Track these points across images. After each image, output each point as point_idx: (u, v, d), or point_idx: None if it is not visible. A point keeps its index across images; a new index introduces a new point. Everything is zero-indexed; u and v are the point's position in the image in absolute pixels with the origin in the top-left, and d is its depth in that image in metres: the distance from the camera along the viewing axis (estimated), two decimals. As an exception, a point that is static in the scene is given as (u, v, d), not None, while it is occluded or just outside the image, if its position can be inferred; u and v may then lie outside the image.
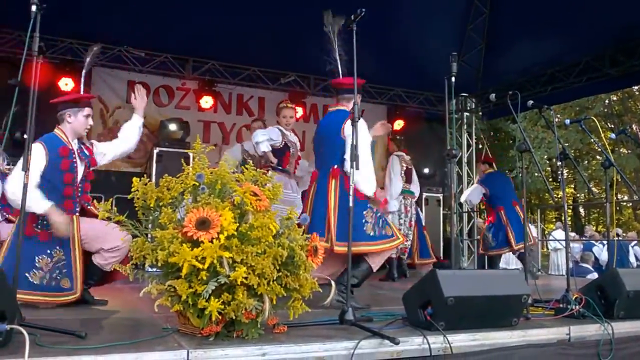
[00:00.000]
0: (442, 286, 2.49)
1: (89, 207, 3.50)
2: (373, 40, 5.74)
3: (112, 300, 3.61)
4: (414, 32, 7.49)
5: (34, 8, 2.45)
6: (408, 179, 6.44)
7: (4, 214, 4.29)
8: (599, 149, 4.67)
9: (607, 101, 18.84)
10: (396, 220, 6.21)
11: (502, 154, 17.75)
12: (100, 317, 3.08)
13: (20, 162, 3.05)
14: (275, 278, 2.24)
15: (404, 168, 6.37)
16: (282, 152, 5.10)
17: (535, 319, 2.99)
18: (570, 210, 21.98)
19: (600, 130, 5.35)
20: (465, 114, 9.67)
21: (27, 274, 3.22)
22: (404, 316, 2.79)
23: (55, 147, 3.40)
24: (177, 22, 6.67)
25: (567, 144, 15.85)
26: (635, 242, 11.18)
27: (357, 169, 2.86)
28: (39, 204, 3.18)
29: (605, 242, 9.96)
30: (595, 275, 7.86)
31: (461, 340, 2.49)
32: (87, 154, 3.59)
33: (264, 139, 4.97)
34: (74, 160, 3.47)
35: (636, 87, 17.23)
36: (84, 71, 3.77)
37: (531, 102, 3.63)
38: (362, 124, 3.43)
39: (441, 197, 8.78)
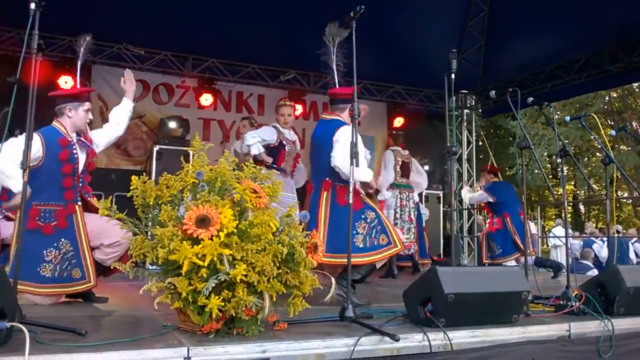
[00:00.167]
0: (442, 283, 2.49)
1: (89, 198, 3.51)
2: (373, 37, 5.74)
3: (112, 298, 3.61)
4: (413, 29, 7.49)
5: (32, 6, 2.44)
6: (404, 173, 6.43)
7: (4, 211, 4.28)
8: (599, 146, 4.67)
9: (607, 98, 18.85)
10: (392, 214, 6.21)
11: (502, 151, 17.77)
12: (101, 315, 3.09)
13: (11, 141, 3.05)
14: (275, 275, 2.24)
15: (399, 162, 6.38)
16: (277, 150, 5.07)
17: (535, 316, 2.99)
18: (570, 207, 21.99)
19: (600, 127, 5.32)
20: (465, 111, 9.66)
21: (38, 269, 3.26)
22: (404, 313, 2.79)
23: (54, 138, 3.41)
24: (176, 19, 6.66)
25: (567, 141, 15.86)
26: (636, 238, 11.18)
27: (357, 166, 2.87)
28: (17, 182, 3.12)
29: (605, 239, 9.96)
30: (595, 272, 7.86)
31: (461, 337, 2.49)
32: (87, 144, 3.60)
33: (254, 141, 4.95)
34: (74, 151, 3.48)
35: (636, 84, 17.22)
36: (79, 63, 3.77)
37: (531, 99, 3.62)
38: (349, 134, 3.46)
39: (441, 195, 8.78)
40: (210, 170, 2.41)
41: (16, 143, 3.07)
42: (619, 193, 18.86)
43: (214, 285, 2.12)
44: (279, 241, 2.28)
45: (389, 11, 6.73)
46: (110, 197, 2.48)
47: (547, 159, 18.43)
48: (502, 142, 19.15)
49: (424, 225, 7.07)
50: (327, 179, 3.63)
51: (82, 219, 3.45)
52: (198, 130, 7.05)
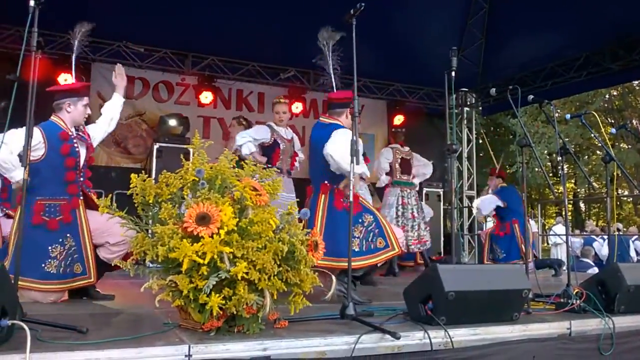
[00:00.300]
0: (442, 281, 2.49)
1: (90, 193, 3.52)
2: (373, 35, 5.73)
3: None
4: (413, 27, 7.48)
5: (32, 3, 2.44)
6: (405, 170, 6.41)
7: (4, 208, 4.28)
8: (600, 144, 4.67)
9: (607, 96, 18.83)
10: (393, 212, 6.20)
11: (502, 149, 17.74)
12: (101, 313, 3.09)
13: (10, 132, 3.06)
14: (276, 273, 2.24)
15: (398, 160, 6.37)
16: (272, 149, 5.04)
17: (536, 314, 2.99)
18: (570, 205, 21.98)
19: (601, 125, 5.31)
20: (466, 109, 9.66)
21: (42, 264, 3.26)
22: (405, 311, 2.79)
23: (54, 132, 3.41)
24: (176, 17, 6.65)
25: (567, 139, 15.84)
26: (636, 236, 11.18)
27: (357, 163, 2.87)
28: (17, 173, 3.17)
29: (605, 236, 9.96)
30: (595, 270, 7.85)
31: (462, 334, 2.49)
32: (86, 138, 3.61)
33: (244, 141, 4.92)
34: (75, 144, 3.49)
35: (636, 82, 17.19)
36: (74, 55, 3.76)
37: (531, 96, 3.62)
38: (346, 132, 3.49)
39: (441, 192, 8.77)
40: (211, 168, 2.40)
41: (17, 133, 3.07)
42: (620, 191, 18.86)
43: (214, 283, 2.11)
44: (279, 239, 2.28)
45: (388, 9, 6.72)
46: (110, 195, 2.48)
47: (548, 157, 18.41)
48: (502, 140, 19.13)
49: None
50: (326, 182, 3.64)
51: (84, 213, 3.46)
52: (198, 128, 7.05)
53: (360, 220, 3.57)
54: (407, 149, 6.55)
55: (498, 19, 7.89)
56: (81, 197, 3.49)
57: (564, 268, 6.28)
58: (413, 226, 6.26)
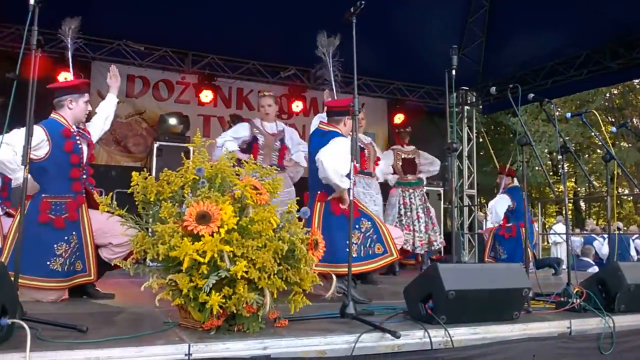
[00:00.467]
0: (443, 280, 2.49)
1: (92, 190, 3.52)
2: (373, 33, 5.72)
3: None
4: (414, 25, 7.47)
5: (32, 1, 2.44)
6: (408, 170, 6.39)
7: (4, 207, 4.28)
8: (600, 143, 4.66)
9: (607, 94, 18.82)
10: (395, 213, 6.18)
11: (502, 148, 17.73)
12: (101, 312, 3.09)
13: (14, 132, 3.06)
14: (276, 272, 2.24)
15: (400, 161, 6.35)
16: (250, 145, 4.98)
17: (536, 313, 2.99)
18: (571, 204, 21.98)
19: (601, 123, 5.33)
20: (466, 107, 9.65)
21: (48, 262, 3.26)
22: (405, 310, 2.79)
23: (57, 130, 3.42)
24: (176, 16, 6.65)
25: (567, 138, 15.83)
26: (636, 235, 11.19)
27: (358, 163, 2.87)
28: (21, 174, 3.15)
29: (606, 235, 9.97)
30: (596, 269, 7.86)
31: (462, 333, 2.49)
32: (87, 135, 3.62)
33: (223, 141, 4.89)
34: (78, 141, 3.50)
35: (637, 81, 17.19)
36: (69, 53, 3.77)
37: (532, 95, 3.61)
38: (343, 140, 3.50)
39: (442, 191, 8.76)
40: (211, 166, 2.40)
41: (19, 133, 3.07)
42: (620, 190, 18.85)
43: (214, 281, 2.11)
44: (279, 238, 2.28)
45: (389, 7, 6.70)
46: (111, 193, 2.48)
47: (548, 155, 18.42)
48: (502, 139, 19.13)
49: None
50: (323, 191, 3.63)
51: (87, 211, 3.47)
52: (198, 127, 7.01)
53: (357, 226, 3.57)
54: (410, 148, 6.50)
55: (499, 17, 7.88)
56: (84, 195, 3.50)
57: (564, 267, 6.27)
58: (420, 227, 6.19)
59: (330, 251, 3.23)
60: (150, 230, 2.32)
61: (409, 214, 6.22)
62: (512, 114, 15.84)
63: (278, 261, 2.26)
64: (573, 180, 21.93)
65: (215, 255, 2.12)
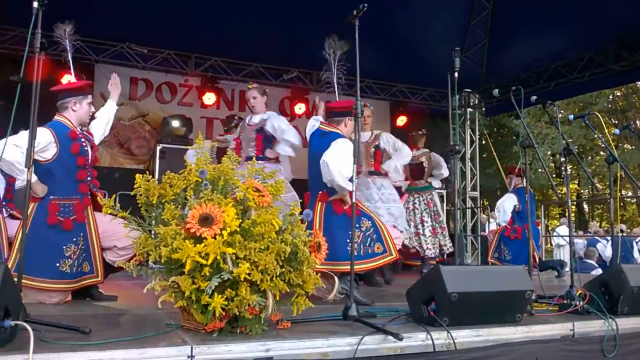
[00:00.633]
0: (445, 282, 2.49)
1: (97, 192, 3.53)
2: (376, 36, 5.73)
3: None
4: (416, 27, 7.47)
5: (35, 4, 2.45)
6: (415, 175, 6.37)
7: (8, 209, 4.29)
8: (603, 145, 4.65)
9: (610, 97, 18.77)
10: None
11: (505, 150, 17.71)
12: (104, 313, 3.09)
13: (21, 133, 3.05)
14: (278, 274, 2.24)
15: (407, 167, 6.31)
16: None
17: (539, 315, 2.99)
18: (574, 206, 21.92)
19: (604, 125, 5.32)
20: (469, 109, 9.64)
21: (57, 264, 3.28)
22: (407, 312, 2.79)
23: (64, 132, 3.44)
24: (179, 18, 6.66)
25: (570, 140, 15.79)
26: (640, 237, 11.14)
27: (360, 164, 2.88)
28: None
29: (609, 238, 9.92)
30: (599, 272, 7.82)
31: (465, 336, 2.49)
32: (90, 137, 3.65)
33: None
34: (83, 143, 3.53)
35: (640, 83, 17.14)
36: (69, 56, 3.79)
37: (535, 97, 3.61)
38: (345, 142, 3.51)
39: (444, 193, 8.75)
40: (213, 169, 2.41)
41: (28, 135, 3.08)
42: (623, 192, 18.79)
43: (217, 284, 2.12)
44: (282, 240, 2.28)
45: (391, 9, 6.71)
46: (114, 195, 2.49)
47: (551, 157, 18.39)
48: (505, 141, 19.10)
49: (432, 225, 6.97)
50: (325, 191, 3.65)
51: (92, 213, 3.49)
52: (201, 129, 7.05)
53: (357, 225, 3.57)
54: (420, 152, 6.43)
55: (501, 20, 7.87)
56: (89, 197, 3.52)
57: (567, 269, 6.24)
58: (424, 231, 6.13)
59: (331, 250, 3.25)
60: (153, 232, 2.33)
61: (411, 217, 6.18)
62: (515, 116, 15.83)
63: (280, 263, 2.26)
64: (576, 182, 21.86)
65: (218, 257, 2.12)
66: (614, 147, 4.39)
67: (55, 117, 3.53)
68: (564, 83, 8.10)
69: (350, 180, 2.96)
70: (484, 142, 11.95)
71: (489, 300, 2.63)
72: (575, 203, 21.82)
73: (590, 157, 19.92)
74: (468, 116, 9.62)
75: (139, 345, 2.02)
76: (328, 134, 3.72)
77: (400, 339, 2.27)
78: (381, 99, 9.02)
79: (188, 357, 2.00)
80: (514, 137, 18.10)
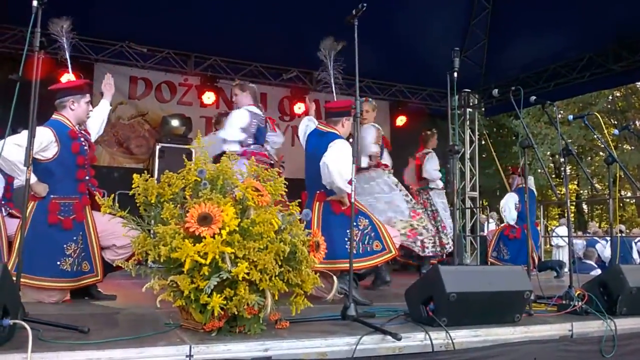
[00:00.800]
0: (444, 282, 2.49)
1: (95, 192, 3.54)
2: (375, 35, 5.72)
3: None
4: (416, 27, 7.47)
5: (35, 3, 2.45)
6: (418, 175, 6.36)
7: (7, 208, 4.28)
8: (602, 145, 4.66)
9: (610, 97, 18.79)
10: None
11: (504, 150, 17.72)
12: (103, 313, 3.09)
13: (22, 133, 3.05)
14: (277, 273, 2.24)
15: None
16: None
17: (537, 315, 2.99)
18: (573, 207, 21.93)
19: (604, 126, 5.32)
20: (468, 109, 9.64)
21: (58, 262, 3.29)
22: (406, 312, 2.79)
23: (64, 131, 3.44)
24: (179, 18, 6.66)
25: (570, 140, 15.81)
26: (639, 238, 11.15)
27: (360, 165, 2.88)
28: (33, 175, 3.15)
29: (608, 238, 9.92)
30: (598, 272, 7.83)
31: (463, 336, 2.49)
32: (88, 136, 3.66)
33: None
34: (83, 142, 3.53)
35: (640, 83, 17.17)
36: (67, 54, 3.79)
37: (534, 97, 3.61)
38: (344, 143, 3.51)
39: (443, 193, 8.74)
40: (213, 168, 2.41)
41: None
42: (622, 192, 18.82)
43: (215, 283, 2.12)
44: (281, 239, 2.28)
45: (391, 9, 6.71)
46: (113, 195, 2.49)
47: (550, 158, 18.39)
48: (505, 141, 19.12)
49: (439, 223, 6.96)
50: (322, 191, 3.65)
51: (91, 212, 3.49)
52: (200, 129, 7.06)
53: (355, 224, 3.57)
54: (421, 152, 6.36)
55: (501, 20, 7.87)
56: (88, 196, 3.52)
57: (566, 269, 6.24)
58: (421, 232, 6.12)
59: (330, 248, 3.25)
60: (151, 231, 2.33)
61: (431, 214, 6.15)
62: (515, 117, 15.84)
63: (279, 263, 2.26)
64: (575, 182, 21.88)
65: (217, 256, 2.12)
66: (613, 148, 4.39)
67: (54, 115, 3.52)
68: (563, 83, 8.11)
69: (349, 182, 2.97)
70: (483, 142, 11.97)
71: (488, 300, 2.63)
72: (574, 203, 21.84)
73: (589, 158, 19.95)
74: (467, 116, 9.62)
75: (137, 344, 2.02)
76: (326, 134, 3.72)
77: (399, 339, 2.28)
78: (381, 98, 9.01)
79: (186, 356, 2.00)
80: (514, 137, 18.11)
